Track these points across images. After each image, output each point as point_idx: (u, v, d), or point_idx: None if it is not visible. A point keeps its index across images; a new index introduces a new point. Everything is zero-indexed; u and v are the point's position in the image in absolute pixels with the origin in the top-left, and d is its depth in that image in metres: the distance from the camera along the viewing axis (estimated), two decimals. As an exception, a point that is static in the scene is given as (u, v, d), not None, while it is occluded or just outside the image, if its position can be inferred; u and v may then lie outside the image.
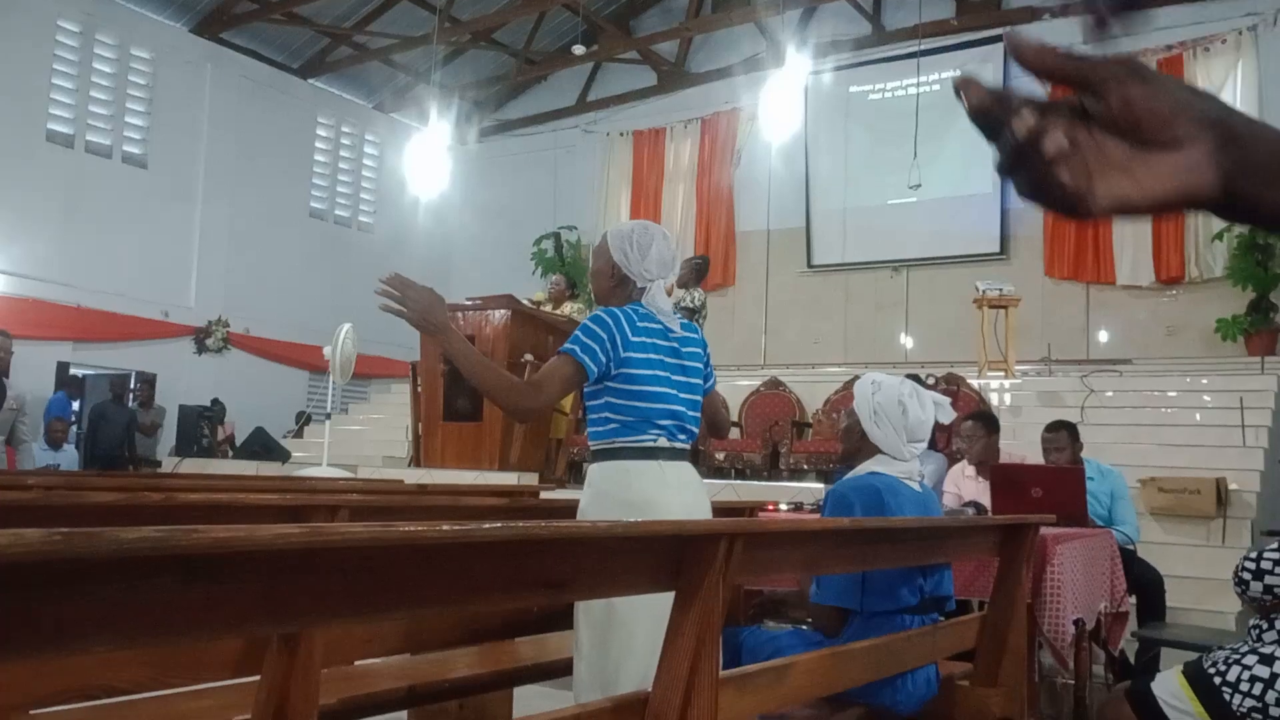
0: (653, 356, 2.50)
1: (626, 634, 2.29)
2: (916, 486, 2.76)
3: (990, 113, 0.64)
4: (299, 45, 14.02)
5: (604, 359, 2.44)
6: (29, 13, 11.29)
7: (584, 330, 2.46)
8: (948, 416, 2.87)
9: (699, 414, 2.62)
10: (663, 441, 2.49)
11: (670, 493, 2.46)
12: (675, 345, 2.57)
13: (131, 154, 12.37)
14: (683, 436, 2.54)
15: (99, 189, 11.86)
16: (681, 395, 2.54)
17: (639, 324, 2.50)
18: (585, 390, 2.55)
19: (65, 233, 11.45)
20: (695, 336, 2.66)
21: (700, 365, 2.65)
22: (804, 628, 2.77)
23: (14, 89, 11.19)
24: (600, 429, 2.51)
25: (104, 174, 12.01)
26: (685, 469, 2.56)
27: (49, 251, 11.30)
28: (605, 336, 2.45)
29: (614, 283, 2.60)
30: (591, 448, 2.56)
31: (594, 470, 2.53)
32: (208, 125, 12.98)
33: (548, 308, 8.98)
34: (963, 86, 0.64)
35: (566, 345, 2.46)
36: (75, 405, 11.02)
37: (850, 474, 2.76)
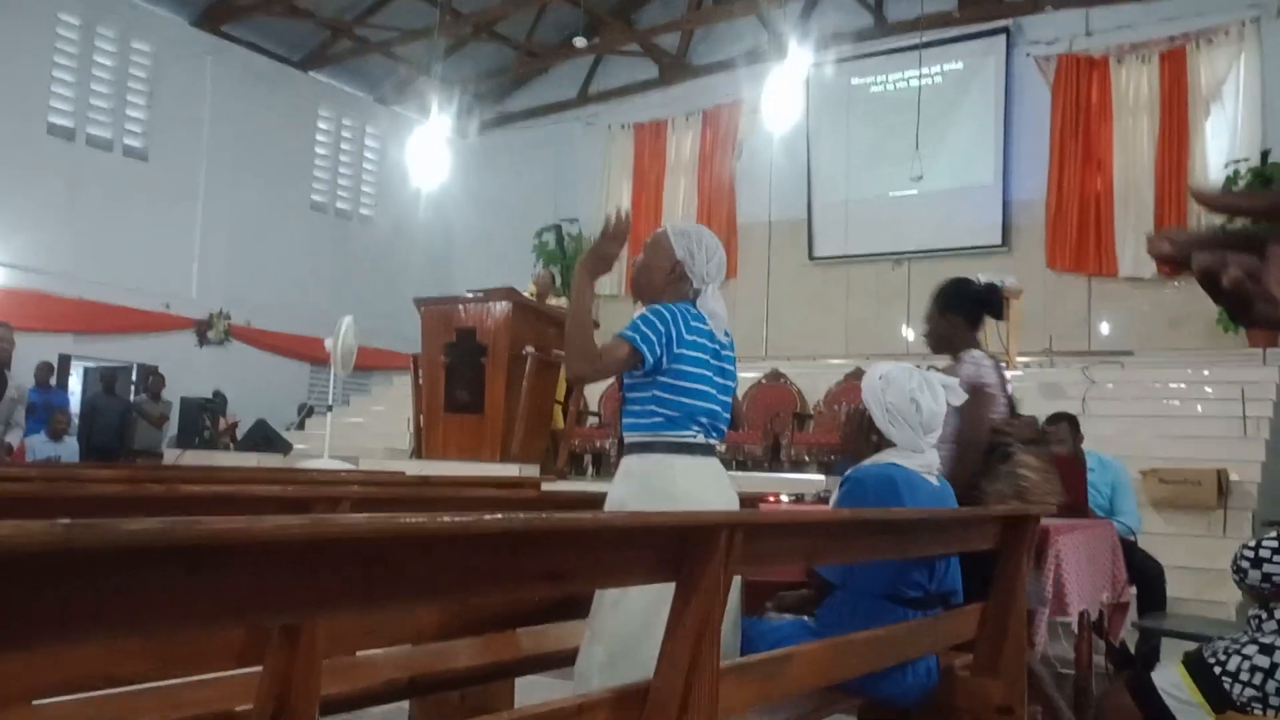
0: (700, 356, 2.55)
1: (654, 621, 2.28)
2: (934, 481, 2.76)
3: (1177, 260, 0.75)
4: (300, 38, 13.99)
5: (659, 351, 2.49)
6: (29, 5, 11.28)
7: (644, 320, 2.51)
8: (958, 398, 2.88)
9: (729, 414, 2.66)
10: (700, 438, 2.55)
11: (710, 489, 2.53)
12: (717, 349, 2.63)
13: (132, 147, 12.36)
14: (715, 434, 2.61)
15: (100, 182, 11.85)
16: (719, 396, 2.60)
17: (691, 324, 2.55)
18: (628, 382, 2.59)
19: (66, 225, 11.45)
20: (730, 341, 2.72)
21: (733, 369, 2.72)
22: (807, 619, 2.77)
23: (15, 82, 11.19)
24: (642, 421, 2.54)
25: (105, 167, 12.01)
26: (717, 465, 2.63)
27: (50, 244, 11.30)
28: (664, 331, 2.49)
29: (671, 279, 2.63)
30: (628, 439, 2.59)
31: (633, 462, 2.56)
32: (209, 118, 12.96)
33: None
34: (1152, 246, 0.77)
35: (625, 331, 2.50)
36: (72, 394, 11.03)
37: (869, 461, 2.75)
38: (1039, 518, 2.90)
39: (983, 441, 3.27)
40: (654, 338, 2.48)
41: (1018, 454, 3.25)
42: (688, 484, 2.48)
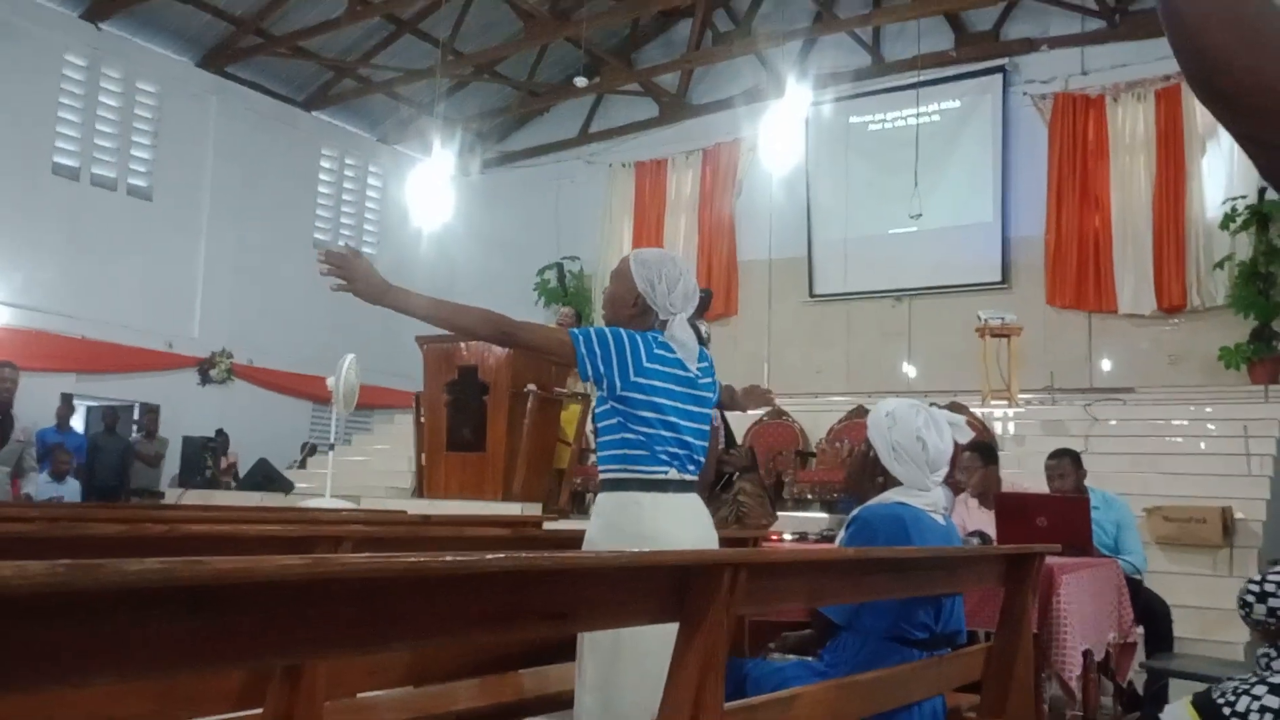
0: (665, 385, 2.48)
1: (633, 663, 2.27)
2: (940, 519, 2.72)
3: None
4: (303, 78, 14.13)
5: (600, 368, 2.42)
6: (35, 46, 11.40)
7: (597, 331, 2.45)
8: (965, 436, 2.85)
9: (707, 445, 2.62)
10: (673, 474, 2.48)
11: (681, 527, 2.45)
12: (692, 378, 2.55)
13: (136, 186, 12.44)
14: (691, 468, 2.54)
15: (104, 221, 11.91)
16: (692, 426, 2.53)
17: (655, 351, 2.48)
18: (597, 413, 2.56)
19: (70, 264, 11.49)
20: (708, 366, 2.65)
21: (711, 395, 2.65)
22: (811, 659, 2.75)
23: (20, 122, 11.28)
24: (612, 452, 2.50)
25: (109, 206, 12.07)
26: (694, 501, 2.55)
27: (54, 283, 11.34)
28: (614, 351, 2.43)
29: (635, 311, 2.57)
30: (601, 476, 2.55)
31: (604, 500, 2.52)
32: (212, 157, 13.05)
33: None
34: None
35: (575, 330, 2.45)
36: (81, 434, 11.01)
37: (875, 500, 2.73)
38: (1043, 556, 2.88)
39: (709, 475, 3.55)
40: (598, 350, 2.42)
41: (738, 481, 3.70)
42: (656, 523, 2.42)
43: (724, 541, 2.89)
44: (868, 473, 2.76)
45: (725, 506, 3.66)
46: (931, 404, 2.95)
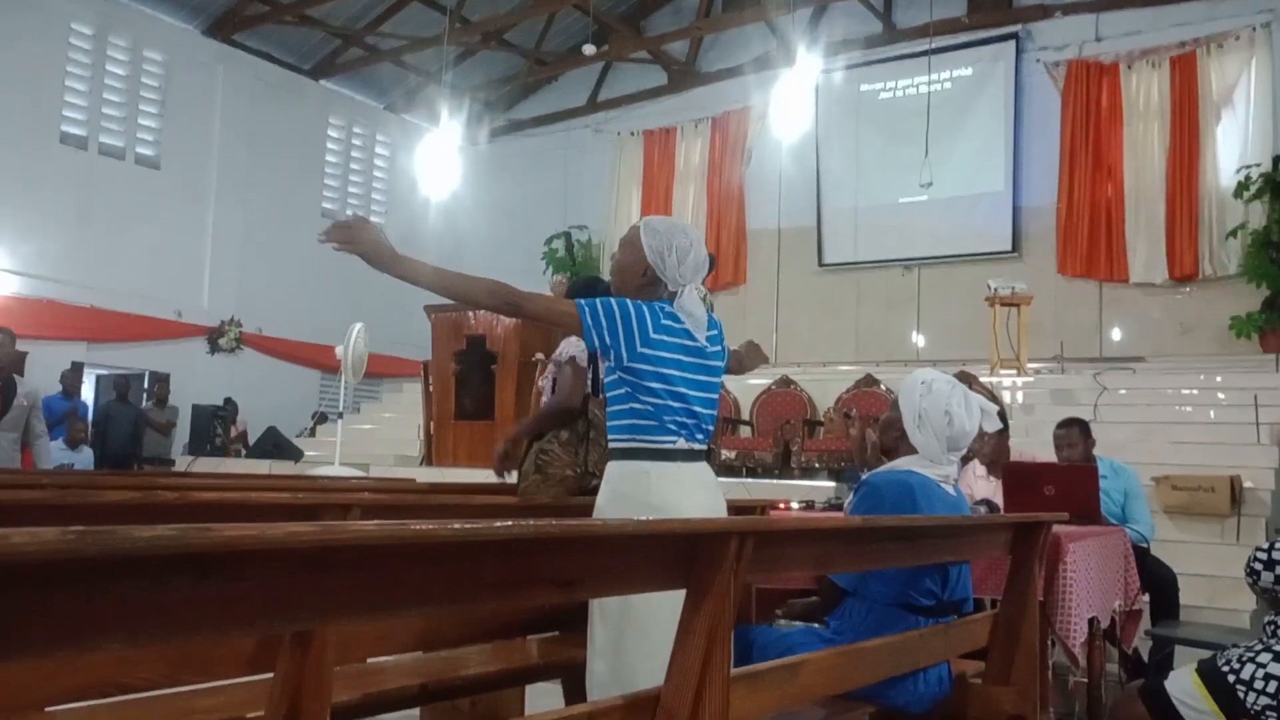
0: (673, 356, 2.48)
1: (642, 630, 2.28)
2: (950, 489, 2.72)
3: None
4: (310, 47, 14.06)
5: (607, 339, 2.41)
6: (42, 15, 11.36)
7: (603, 302, 2.43)
8: (993, 426, 2.82)
9: (715, 413, 2.62)
10: (681, 443, 2.48)
11: (689, 496, 2.45)
12: (699, 348, 2.54)
13: (144, 155, 12.42)
14: (700, 437, 2.53)
15: (112, 190, 11.91)
16: (700, 395, 2.53)
17: (662, 322, 2.47)
18: (606, 382, 2.56)
19: (78, 234, 11.51)
20: (716, 334, 2.63)
21: (720, 364, 2.65)
22: (818, 626, 2.76)
23: (28, 91, 11.26)
24: (620, 423, 2.51)
25: (117, 175, 12.07)
26: (702, 470, 2.55)
27: (62, 252, 11.36)
28: (621, 322, 2.41)
29: (644, 281, 2.55)
30: (610, 444, 2.56)
31: (612, 469, 2.52)
32: (220, 126, 13.02)
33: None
34: None
35: (581, 300, 2.43)
36: (89, 403, 11.07)
37: (886, 466, 2.73)
38: (1050, 525, 2.89)
39: (575, 405, 3.48)
40: (604, 320, 2.40)
41: (596, 419, 3.47)
42: (663, 492, 2.42)
43: (732, 510, 2.90)
44: (891, 435, 2.74)
45: (528, 456, 3.50)
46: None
